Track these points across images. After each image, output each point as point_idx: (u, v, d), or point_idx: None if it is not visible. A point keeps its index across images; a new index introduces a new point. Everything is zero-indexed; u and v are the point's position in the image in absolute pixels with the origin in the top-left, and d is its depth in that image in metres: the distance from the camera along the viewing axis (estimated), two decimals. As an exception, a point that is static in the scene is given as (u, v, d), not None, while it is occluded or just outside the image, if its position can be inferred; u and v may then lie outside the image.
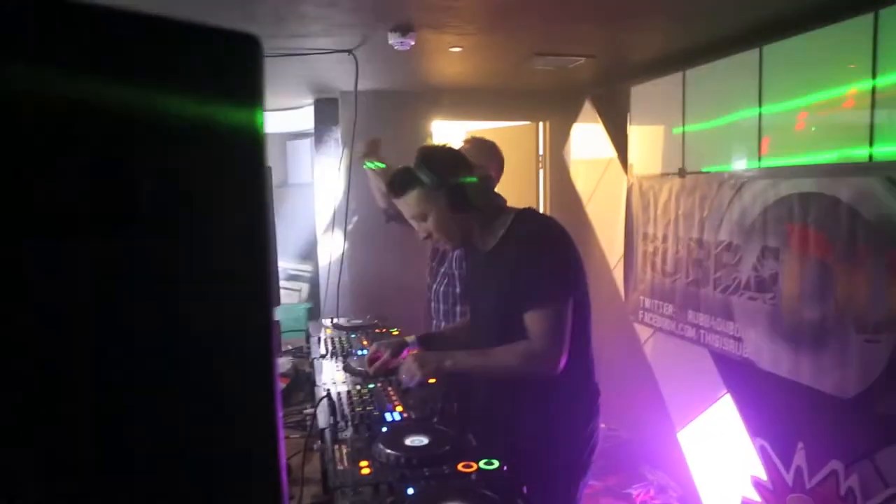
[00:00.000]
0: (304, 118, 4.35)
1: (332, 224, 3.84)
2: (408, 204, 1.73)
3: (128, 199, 0.51)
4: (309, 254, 4.65)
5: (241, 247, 0.58)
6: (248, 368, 0.57)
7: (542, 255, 1.66)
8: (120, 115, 0.50)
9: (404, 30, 2.45)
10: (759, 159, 2.63)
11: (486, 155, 2.39)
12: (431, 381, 1.72)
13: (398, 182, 1.73)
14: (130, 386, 0.51)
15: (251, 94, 0.59)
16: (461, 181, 1.70)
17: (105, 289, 0.50)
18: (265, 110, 0.60)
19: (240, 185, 0.58)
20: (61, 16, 0.47)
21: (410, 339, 1.94)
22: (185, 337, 0.54)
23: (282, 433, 0.58)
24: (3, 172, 0.45)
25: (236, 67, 0.58)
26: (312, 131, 4.16)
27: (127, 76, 0.50)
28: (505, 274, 1.69)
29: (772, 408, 2.60)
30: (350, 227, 3.61)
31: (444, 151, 1.77)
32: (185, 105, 0.55)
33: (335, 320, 2.59)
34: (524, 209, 1.79)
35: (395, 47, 2.55)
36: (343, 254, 3.69)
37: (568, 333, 1.63)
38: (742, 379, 2.77)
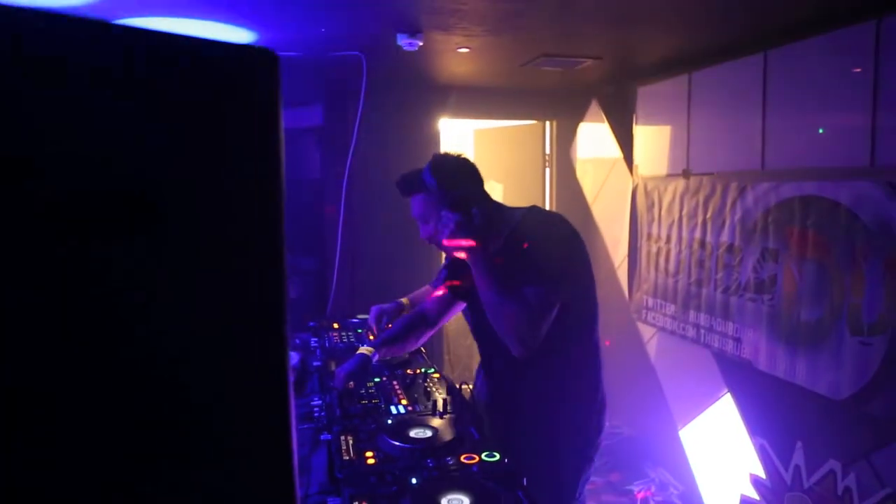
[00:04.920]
0: (312, 114, 4.39)
1: (339, 220, 3.88)
2: (413, 206, 1.80)
3: (148, 207, 0.55)
4: (315, 249, 4.69)
5: (256, 250, 0.62)
6: (262, 366, 0.61)
7: (533, 250, 1.66)
8: (143, 129, 0.54)
9: (412, 31, 2.49)
10: (762, 162, 2.66)
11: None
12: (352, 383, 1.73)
13: (407, 184, 1.78)
14: (148, 376, 0.56)
15: (269, 107, 0.63)
16: (464, 193, 1.69)
17: (128, 287, 0.54)
18: (282, 119, 0.64)
19: (257, 192, 0.63)
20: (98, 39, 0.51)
21: (367, 350, 1.83)
22: (202, 335, 0.58)
23: (294, 425, 0.62)
24: (31, 176, 0.49)
25: (255, 81, 0.62)
26: (320, 127, 4.20)
27: (150, 92, 0.54)
28: (509, 272, 1.69)
29: (771, 408, 2.63)
30: (356, 222, 3.66)
31: (454, 161, 1.75)
32: (206, 119, 0.59)
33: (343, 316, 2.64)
34: (531, 207, 1.79)
35: (404, 48, 2.59)
36: (349, 249, 3.73)
37: (546, 324, 1.61)
38: (742, 379, 2.80)
